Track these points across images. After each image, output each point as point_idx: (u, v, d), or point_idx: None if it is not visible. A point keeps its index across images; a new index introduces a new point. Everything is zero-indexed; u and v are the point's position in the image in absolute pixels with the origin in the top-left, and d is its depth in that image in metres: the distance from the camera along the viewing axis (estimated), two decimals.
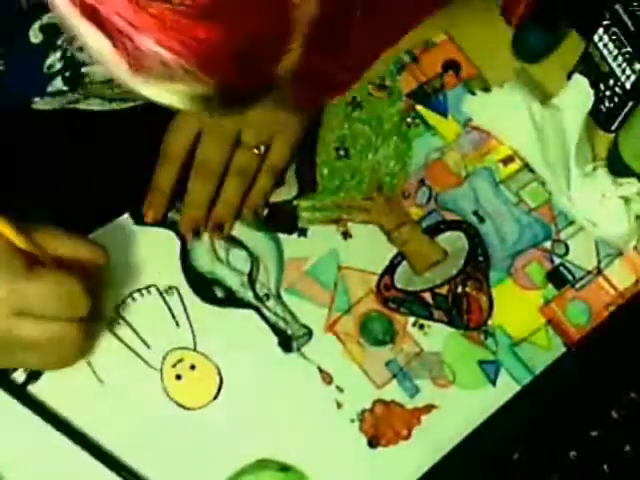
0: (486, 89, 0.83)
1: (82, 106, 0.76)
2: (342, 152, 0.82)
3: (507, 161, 0.83)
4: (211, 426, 0.73)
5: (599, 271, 0.80)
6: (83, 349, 0.71)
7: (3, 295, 0.64)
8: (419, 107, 0.84)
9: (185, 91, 0.44)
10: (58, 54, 0.68)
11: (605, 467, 0.73)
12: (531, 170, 0.82)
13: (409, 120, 0.83)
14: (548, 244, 0.80)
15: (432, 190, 0.81)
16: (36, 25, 0.65)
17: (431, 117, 0.84)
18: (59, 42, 0.67)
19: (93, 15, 0.40)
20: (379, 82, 0.84)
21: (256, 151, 0.78)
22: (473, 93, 0.83)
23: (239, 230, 0.79)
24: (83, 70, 0.70)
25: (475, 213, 0.81)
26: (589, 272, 0.80)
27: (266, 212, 0.80)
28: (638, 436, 0.74)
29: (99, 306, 0.73)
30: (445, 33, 0.86)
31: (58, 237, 0.69)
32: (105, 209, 0.78)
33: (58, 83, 0.70)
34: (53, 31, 0.66)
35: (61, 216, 0.72)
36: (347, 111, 0.83)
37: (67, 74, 0.70)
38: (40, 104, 0.73)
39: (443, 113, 0.84)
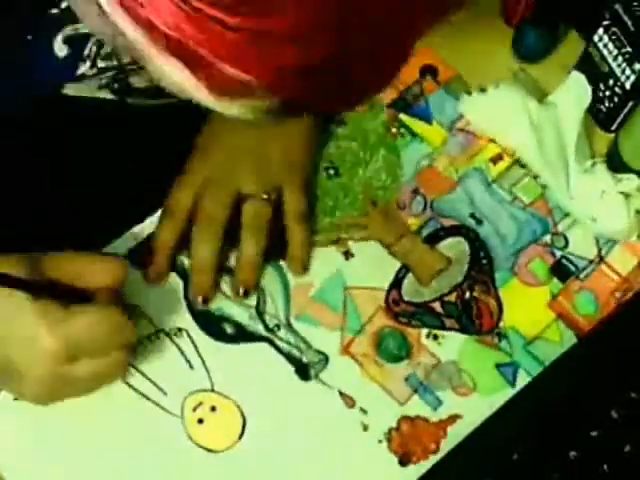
0: (482, 89, 0.83)
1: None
2: (332, 171, 0.81)
3: (496, 159, 0.83)
4: (240, 466, 0.72)
5: (601, 259, 0.80)
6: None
7: (54, 347, 0.63)
8: (402, 116, 0.83)
9: (257, 105, 0.44)
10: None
11: (605, 467, 0.73)
12: (521, 165, 0.82)
13: (394, 130, 0.83)
14: (548, 238, 0.81)
15: (426, 198, 0.81)
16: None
17: (415, 125, 0.83)
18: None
19: (176, 48, 0.41)
20: None
21: (264, 196, 0.76)
22: (469, 93, 0.83)
23: None
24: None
25: (472, 216, 0.81)
26: (591, 261, 0.80)
27: None
28: (638, 436, 0.74)
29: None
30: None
31: (73, 259, 0.69)
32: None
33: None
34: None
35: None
36: (331, 130, 0.83)
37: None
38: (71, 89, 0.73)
39: (427, 119, 0.84)
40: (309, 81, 0.43)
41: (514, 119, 0.81)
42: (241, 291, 0.76)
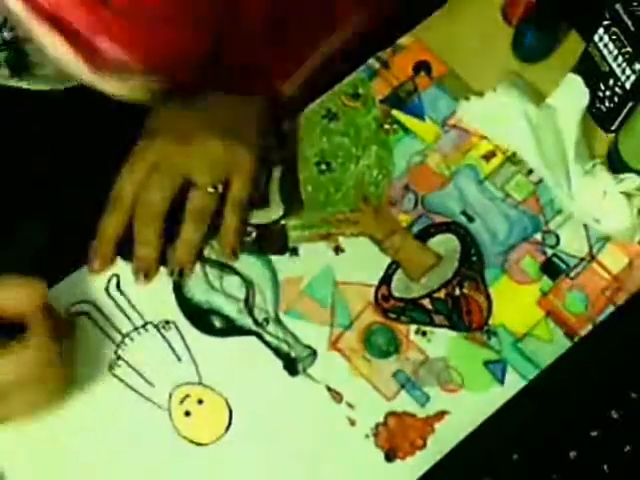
0: (480, 94, 0.83)
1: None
2: (324, 166, 0.81)
3: (489, 156, 0.83)
4: (226, 459, 0.72)
5: (592, 257, 0.80)
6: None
7: None
8: (395, 112, 0.83)
9: (139, 84, 0.45)
10: None
11: (605, 467, 0.73)
12: (514, 163, 0.82)
13: (387, 126, 0.83)
14: (539, 236, 0.80)
15: (418, 194, 0.81)
16: None
17: (408, 121, 0.83)
18: None
19: (51, 19, 0.42)
20: (352, 91, 0.84)
21: (211, 190, 0.75)
22: (467, 99, 0.83)
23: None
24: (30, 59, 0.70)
25: (463, 213, 0.81)
26: (582, 259, 0.80)
27: (255, 235, 0.79)
28: (638, 436, 0.74)
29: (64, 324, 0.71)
30: (412, 35, 0.86)
31: None
32: None
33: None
34: None
35: None
36: (323, 124, 0.82)
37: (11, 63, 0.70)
38: None
39: (420, 115, 0.83)
40: (184, 63, 0.43)
41: (513, 123, 0.80)
42: (176, 270, 0.76)
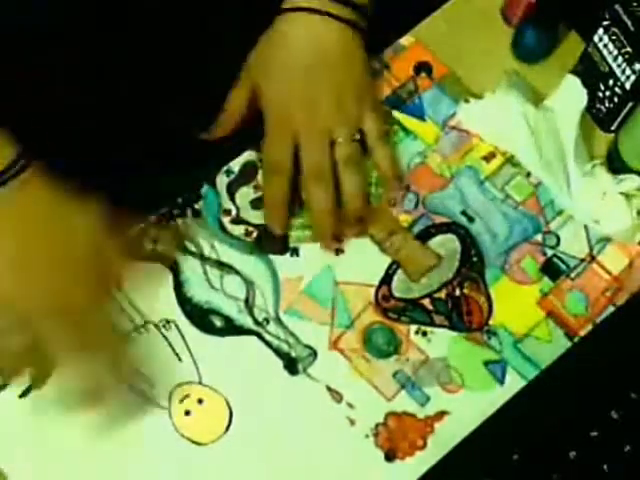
0: (478, 96, 0.83)
1: None
2: None
3: (489, 158, 0.83)
4: (226, 459, 0.72)
5: (592, 258, 0.80)
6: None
7: None
8: (396, 113, 0.83)
9: None
10: None
11: (605, 467, 0.73)
12: (514, 164, 0.82)
13: (387, 127, 0.82)
14: (539, 237, 0.80)
15: (418, 195, 0.81)
16: None
17: (409, 122, 0.83)
18: None
19: None
20: None
21: (354, 138, 0.78)
22: (466, 101, 0.83)
23: (230, 256, 0.78)
24: None
25: (464, 213, 0.81)
26: (582, 260, 0.80)
27: (256, 235, 0.79)
28: (638, 436, 0.74)
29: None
30: (412, 35, 0.86)
31: None
32: None
33: None
34: None
35: None
36: None
37: None
38: None
39: (420, 116, 0.83)
40: None
41: (512, 125, 0.80)
42: (350, 220, 0.78)
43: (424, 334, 0.77)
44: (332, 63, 0.78)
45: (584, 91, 0.81)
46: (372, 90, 0.81)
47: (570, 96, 0.82)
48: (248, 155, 0.82)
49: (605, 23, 0.78)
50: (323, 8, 0.77)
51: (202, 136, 0.79)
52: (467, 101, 0.83)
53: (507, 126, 0.81)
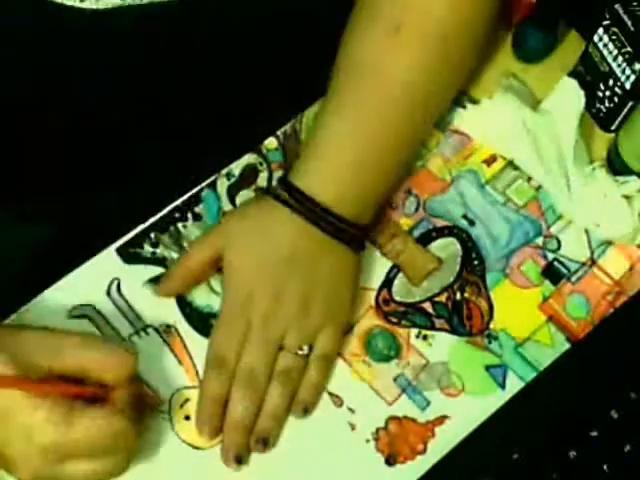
0: (476, 101, 0.83)
1: None
2: None
3: (490, 161, 0.83)
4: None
5: (593, 262, 0.80)
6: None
7: (48, 445, 0.62)
8: None
9: None
10: None
11: (605, 467, 0.73)
12: (515, 167, 0.82)
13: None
14: (540, 240, 0.80)
15: (419, 198, 0.81)
16: None
17: None
18: None
19: None
20: None
21: (300, 352, 0.72)
22: (464, 107, 0.83)
23: None
24: None
25: (465, 217, 0.81)
26: (583, 264, 0.80)
27: None
28: (638, 436, 0.74)
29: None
30: None
31: (86, 346, 0.66)
32: None
33: None
34: None
35: None
36: None
37: None
38: None
39: None
40: None
41: (510, 129, 0.80)
42: (254, 439, 0.71)
43: (425, 338, 0.77)
44: (310, 266, 0.72)
45: (581, 93, 0.81)
46: (347, 307, 0.75)
47: (567, 98, 0.82)
48: (249, 158, 0.81)
49: (605, 23, 0.78)
50: (318, 221, 0.72)
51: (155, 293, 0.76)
52: (464, 107, 0.83)
53: (505, 131, 0.81)
